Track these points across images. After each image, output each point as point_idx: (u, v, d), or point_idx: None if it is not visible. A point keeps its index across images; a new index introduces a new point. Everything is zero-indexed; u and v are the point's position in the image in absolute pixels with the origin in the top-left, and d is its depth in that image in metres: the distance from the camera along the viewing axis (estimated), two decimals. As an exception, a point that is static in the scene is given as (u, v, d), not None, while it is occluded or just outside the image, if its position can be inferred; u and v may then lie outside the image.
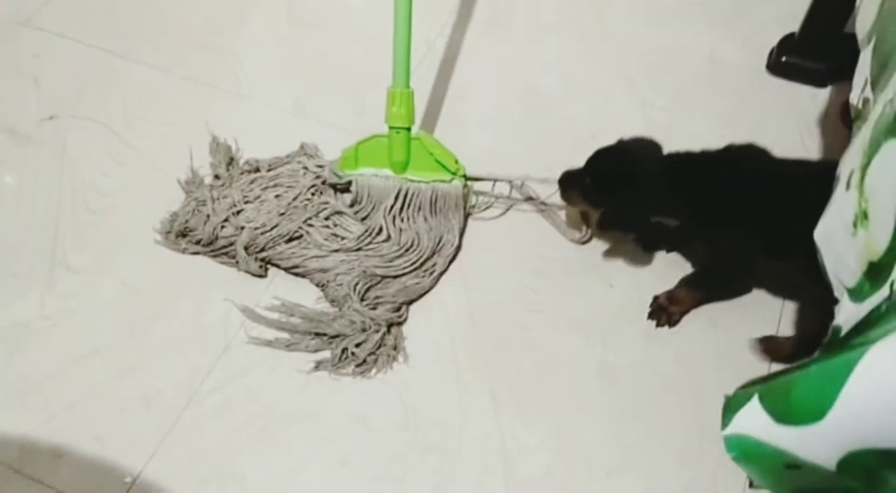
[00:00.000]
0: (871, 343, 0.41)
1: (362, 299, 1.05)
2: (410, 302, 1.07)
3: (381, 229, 1.10)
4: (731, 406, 0.53)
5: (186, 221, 1.10)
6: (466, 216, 1.15)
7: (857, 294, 0.52)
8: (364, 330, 1.02)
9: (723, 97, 1.29)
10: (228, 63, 1.34)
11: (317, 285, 1.08)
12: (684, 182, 0.98)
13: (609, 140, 1.21)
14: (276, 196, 1.13)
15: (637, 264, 1.11)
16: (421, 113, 1.26)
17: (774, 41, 1.33)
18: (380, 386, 1.00)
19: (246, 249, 1.07)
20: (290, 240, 1.09)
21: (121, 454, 0.94)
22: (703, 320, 1.06)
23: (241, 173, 1.16)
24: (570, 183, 1.06)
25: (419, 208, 1.12)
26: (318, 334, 1.03)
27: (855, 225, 0.52)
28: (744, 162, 0.98)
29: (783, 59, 1.30)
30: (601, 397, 1.00)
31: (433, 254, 1.09)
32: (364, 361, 1.01)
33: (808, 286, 0.97)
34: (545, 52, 1.36)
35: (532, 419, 0.98)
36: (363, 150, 1.12)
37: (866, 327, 0.46)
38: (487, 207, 1.16)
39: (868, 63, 0.65)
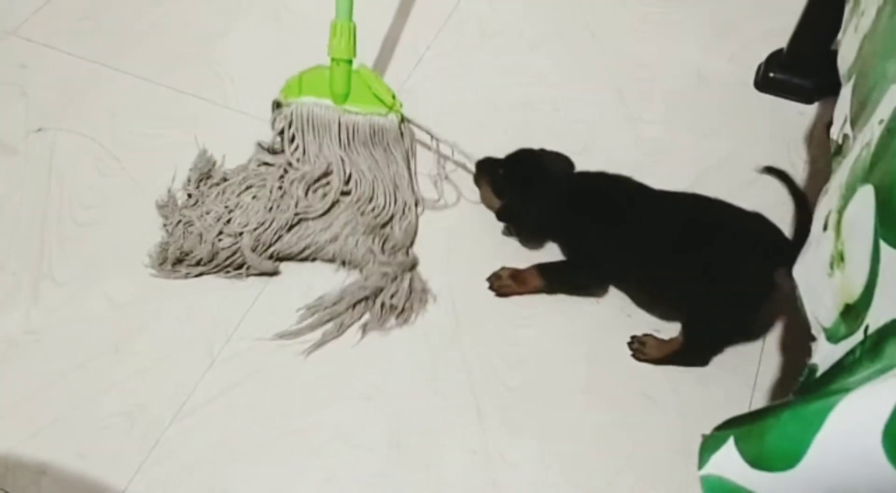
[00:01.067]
0: (845, 392, 0.41)
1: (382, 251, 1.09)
2: (411, 244, 1.12)
3: (342, 162, 1.13)
4: (708, 447, 0.53)
5: (181, 246, 1.09)
6: (410, 155, 1.19)
7: (832, 335, 0.52)
8: (395, 279, 1.06)
9: (710, 112, 1.30)
10: (216, 74, 1.34)
11: (331, 260, 1.10)
12: (579, 198, 1.06)
13: (600, 153, 1.23)
14: (254, 197, 1.14)
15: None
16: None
17: (762, 57, 1.34)
18: (364, 402, 1.00)
19: (253, 250, 1.08)
20: (290, 228, 1.10)
21: (105, 470, 0.94)
22: (689, 338, 1.06)
23: (211, 187, 1.16)
24: (484, 169, 1.13)
25: (363, 143, 1.16)
26: (356, 303, 1.06)
27: (832, 266, 0.53)
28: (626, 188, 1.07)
29: (771, 75, 1.31)
30: (587, 412, 1.00)
31: (395, 188, 1.14)
32: (402, 309, 1.05)
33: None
34: (535, 65, 1.37)
35: (518, 434, 0.98)
36: (307, 79, 1.16)
37: (842, 372, 0.47)
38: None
39: (848, 100, 0.65)
